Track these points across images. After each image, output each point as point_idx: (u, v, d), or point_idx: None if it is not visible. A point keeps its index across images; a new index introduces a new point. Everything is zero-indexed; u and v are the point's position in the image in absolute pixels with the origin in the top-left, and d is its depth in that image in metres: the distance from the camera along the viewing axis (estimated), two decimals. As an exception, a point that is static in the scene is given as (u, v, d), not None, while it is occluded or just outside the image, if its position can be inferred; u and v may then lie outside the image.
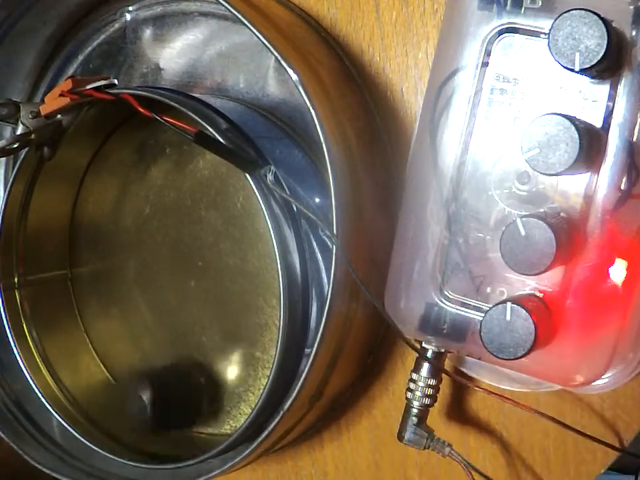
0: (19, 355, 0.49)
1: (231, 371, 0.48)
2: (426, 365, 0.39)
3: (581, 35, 0.30)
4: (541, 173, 0.31)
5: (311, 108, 0.38)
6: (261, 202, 0.40)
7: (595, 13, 0.29)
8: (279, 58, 0.38)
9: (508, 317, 0.32)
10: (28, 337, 0.50)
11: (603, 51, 0.29)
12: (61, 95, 0.42)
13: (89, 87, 0.42)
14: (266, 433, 0.40)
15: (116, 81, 0.43)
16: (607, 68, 0.31)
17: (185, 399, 0.49)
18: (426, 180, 0.36)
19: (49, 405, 0.49)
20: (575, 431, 0.40)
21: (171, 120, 0.39)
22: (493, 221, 0.35)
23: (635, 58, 0.31)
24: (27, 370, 0.49)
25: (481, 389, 0.41)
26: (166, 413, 0.48)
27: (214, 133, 0.40)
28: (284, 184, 0.41)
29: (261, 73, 0.46)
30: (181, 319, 0.50)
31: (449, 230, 0.36)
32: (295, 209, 0.41)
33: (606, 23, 0.29)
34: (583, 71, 0.30)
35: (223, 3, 0.39)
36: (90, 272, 0.53)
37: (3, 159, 0.54)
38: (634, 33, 0.31)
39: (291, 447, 0.48)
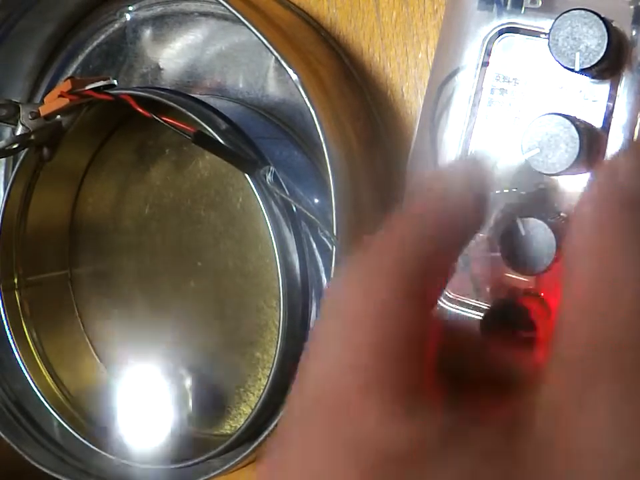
0: (19, 355, 0.49)
1: (231, 371, 0.48)
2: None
3: (581, 35, 0.29)
4: (541, 173, 0.31)
5: (310, 108, 0.38)
6: (260, 202, 0.40)
7: (595, 13, 0.29)
8: (279, 58, 0.38)
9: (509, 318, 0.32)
10: (28, 337, 0.50)
11: (603, 51, 0.29)
12: (60, 96, 0.42)
13: (88, 87, 0.42)
14: (266, 433, 0.40)
15: (115, 82, 0.43)
16: (607, 68, 0.31)
17: (184, 400, 0.49)
18: (426, 180, 0.36)
19: (49, 405, 0.49)
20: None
21: (170, 120, 0.39)
22: (493, 221, 0.35)
23: (635, 58, 0.31)
24: (26, 370, 0.49)
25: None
26: (165, 416, 0.48)
27: (213, 133, 0.40)
28: (283, 184, 0.41)
29: (261, 72, 0.46)
30: (181, 319, 0.50)
31: (449, 230, 0.36)
32: (294, 209, 0.41)
33: (606, 23, 0.29)
34: (583, 71, 0.30)
35: (223, 2, 0.39)
36: (90, 272, 0.53)
37: (3, 159, 0.54)
38: (634, 33, 0.31)
39: (291, 447, 0.48)
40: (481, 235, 0.35)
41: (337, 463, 0.18)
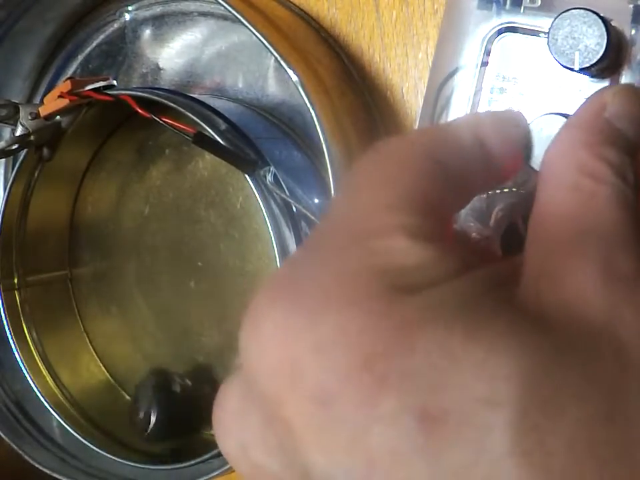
0: (19, 355, 0.49)
1: (231, 371, 0.48)
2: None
3: (580, 34, 0.29)
4: (540, 173, 0.31)
5: (310, 108, 0.38)
6: (260, 202, 0.40)
7: (595, 12, 0.29)
8: (279, 58, 0.38)
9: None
10: (28, 337, 0.50)
11: (603, 50, 0.29)
12: (60, 96, 0.42)
13: (88, 88, 0.42)
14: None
15: (115, 82, 0.43)
16: (607, 67, 0.31)
17: (184, 400, 0.49)
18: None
19: (49, 405, 0.49)
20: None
21: (169, 121, 0.39)
22: (493, 221, 0.35)
23: (635, 57, 0.31)
24: (26, 370, 0.49)
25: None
26: (166, 416, 0.48)
27: (213, 133, 0.40)
28: (283, 184, 0.41)
29: (260, 72, 0.46)
30: (181, 319, 0.50)
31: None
32: (294, 209, 0.41)
33: (605, 22, 0.29)
34: (582, 70, 0.30)
35: (222, 3, 0.39)
36: (90, 272, 0.53)
37: (3, 159, 0.54)
38: (633, 32, 0.31)
39: (291, 447, 0.48)
40: (480, 234, 0.35)
41: (356, 279, 0.19)
